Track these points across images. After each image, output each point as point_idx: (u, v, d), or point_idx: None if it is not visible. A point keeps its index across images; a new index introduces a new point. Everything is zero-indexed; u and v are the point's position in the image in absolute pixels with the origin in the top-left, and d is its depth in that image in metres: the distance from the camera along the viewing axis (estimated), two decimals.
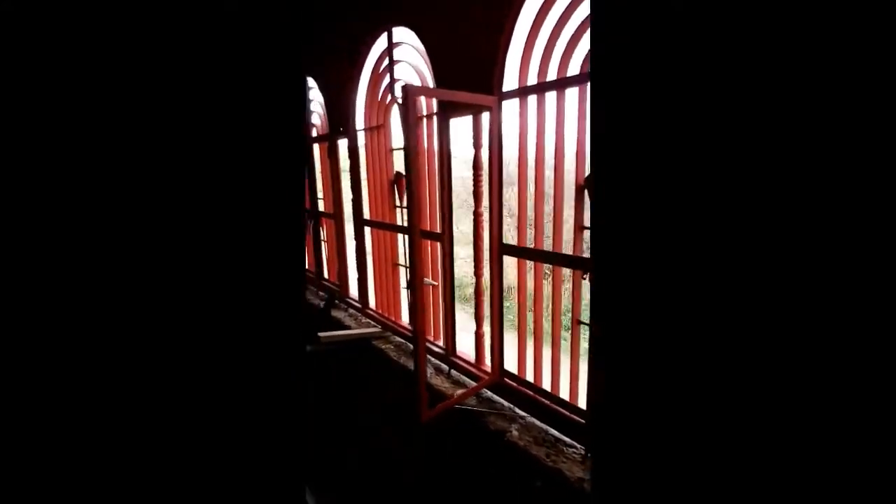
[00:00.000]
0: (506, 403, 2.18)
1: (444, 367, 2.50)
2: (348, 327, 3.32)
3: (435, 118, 2.37)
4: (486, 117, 2.07)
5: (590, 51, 1.37)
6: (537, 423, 2.02)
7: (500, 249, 1.99)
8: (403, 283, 3.10)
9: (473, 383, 2.35)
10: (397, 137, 3.77)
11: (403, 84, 1.54)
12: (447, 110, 2.23)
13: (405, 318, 3.14)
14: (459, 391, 2.31)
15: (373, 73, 2.83)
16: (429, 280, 1.97)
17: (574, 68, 1.69)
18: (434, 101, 2.39)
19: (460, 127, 2.23)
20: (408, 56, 2.59)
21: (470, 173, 2.07)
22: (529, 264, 2.05)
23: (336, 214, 3.62)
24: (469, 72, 2.06)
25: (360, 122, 3.09)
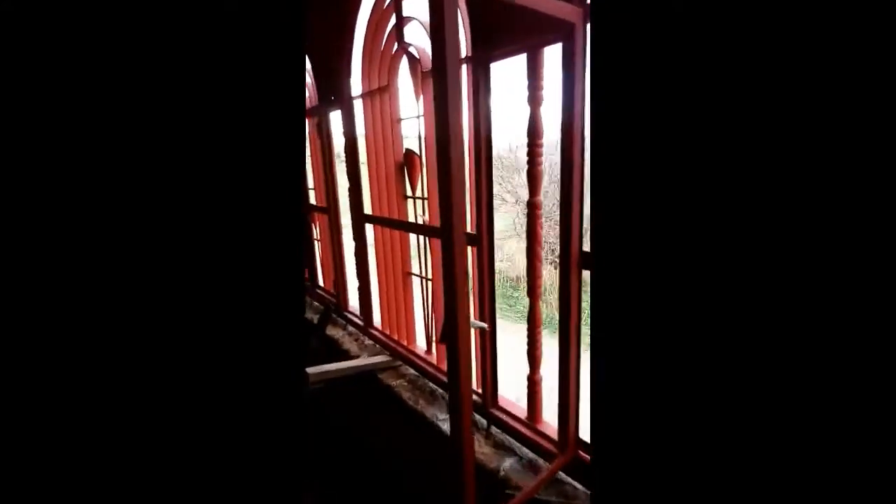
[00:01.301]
0: (580, 487, 1.47)
1: (482, 421, 1.78)
2: (346, 351, 2.61)
3: (465, 66, 1.63)
4: (551, 53, 1.34)
5: None
6: None
7: (581, 260, 1.26)
8: (418, 295, 2.37)
9: (524, 448, 1.64)
10: (407, 104, 2.99)
11: None
12: (486, 50, 1.48)
13: (420, 342, 2.42)
14: (507, 463, 1.59)
15: (372, 14, 2.07)
16: (477, 322, 1.23)
17: None
18: (466, 41, 1.63)
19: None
20: None
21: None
22: None
23: (331, 208, 2.89)
24: None
25: (356, 88, 2.35)
